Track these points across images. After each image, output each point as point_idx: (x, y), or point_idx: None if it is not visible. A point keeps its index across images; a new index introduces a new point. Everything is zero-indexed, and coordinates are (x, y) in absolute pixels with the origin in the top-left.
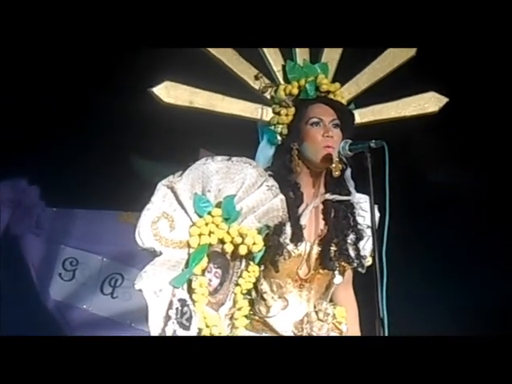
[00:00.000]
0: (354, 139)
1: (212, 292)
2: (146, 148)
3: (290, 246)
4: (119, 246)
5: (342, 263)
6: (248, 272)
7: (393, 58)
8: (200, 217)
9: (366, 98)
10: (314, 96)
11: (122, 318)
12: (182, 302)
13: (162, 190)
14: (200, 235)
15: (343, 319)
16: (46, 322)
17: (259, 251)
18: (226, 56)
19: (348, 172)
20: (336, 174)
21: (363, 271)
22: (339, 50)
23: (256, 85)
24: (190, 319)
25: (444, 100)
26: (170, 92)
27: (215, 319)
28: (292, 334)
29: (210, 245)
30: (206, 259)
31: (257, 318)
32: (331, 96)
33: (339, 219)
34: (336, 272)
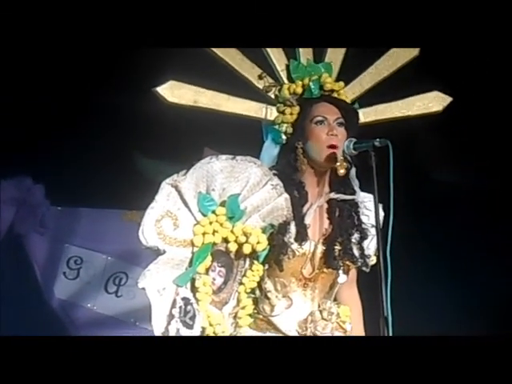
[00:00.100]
0: (358, 138)
1: (216, 291)
2: (151, 147)
3: (295, 245)
4: (123, 245)
5: (347, 262)
6: (252, 271)
7: (396, 57)
8: (204, 215)
9: (369, 98)
10: (318, 95)
11: (127, 317)
12: (186, 300)
13: (166, 189)
14: (204, 234)
15: (347, 318)
16: (50, 320)
17: (263, 250)
18: (230, 56)
19: (353, 171)
20: (340, 172)
21: (367, 270)
22: (343, 50)
23: (260, 84)
24: (193, 318)
25: (448, 99)
26: (175, 91)
27: (219, 318)
28: (296, 333)
29: (214, 243)
30: (209, 258)
31: (261, 316)
32: (335, 95)
33: (344, 218)
34: (340, 271)
